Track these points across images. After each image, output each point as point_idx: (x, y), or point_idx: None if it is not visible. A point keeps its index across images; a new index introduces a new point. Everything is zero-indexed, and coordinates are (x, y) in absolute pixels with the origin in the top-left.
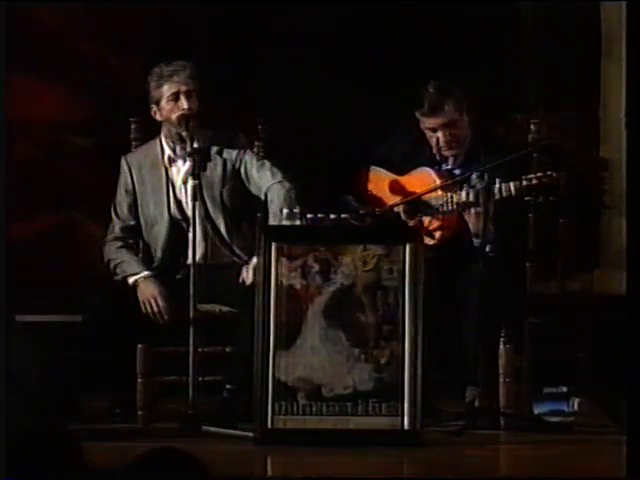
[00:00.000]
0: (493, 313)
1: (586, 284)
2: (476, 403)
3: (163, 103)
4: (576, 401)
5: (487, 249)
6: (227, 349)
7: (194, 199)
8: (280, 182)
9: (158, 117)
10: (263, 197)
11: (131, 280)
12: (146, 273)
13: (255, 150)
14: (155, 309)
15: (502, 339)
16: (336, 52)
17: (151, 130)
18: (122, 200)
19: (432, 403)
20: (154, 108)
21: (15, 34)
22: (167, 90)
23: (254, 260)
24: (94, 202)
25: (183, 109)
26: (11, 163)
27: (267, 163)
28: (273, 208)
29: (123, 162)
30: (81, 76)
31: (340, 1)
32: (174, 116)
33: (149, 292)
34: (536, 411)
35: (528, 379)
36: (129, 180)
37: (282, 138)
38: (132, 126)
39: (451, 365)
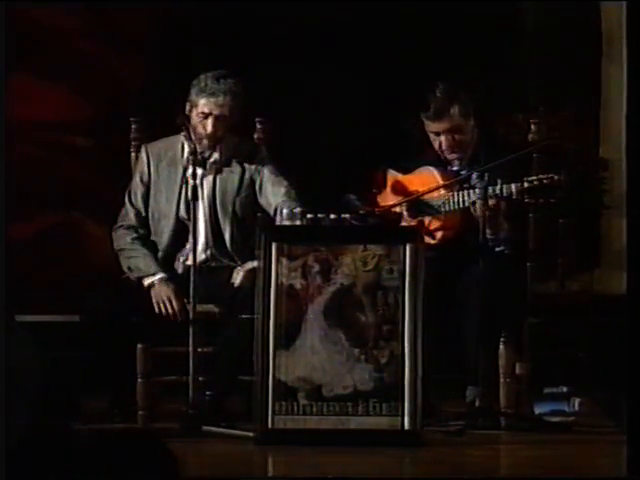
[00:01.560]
0: (494, 313)
1: (586, 284)
2: (476, 403)
3: (194, 113)
4: (576, 401)
5: (501, 247)
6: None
7: (194, 199)
8: (292, 200)
9: (187, 113)
10: (272, 212)
11: (147, 282)
12: (162, 275)
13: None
14: (170, 311)
15: (502, 339)
16: (341, 52)
17: (151, 130)
18: (137, 188)
19: (432, 403)
20: (188, 105)
21: (15, 34)
22: (201, 106)
23: (248, 264)
24: (94, 202)
25: (206, 131)
26: (11, 163)
27: (284, 181)
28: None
29: (143, 150)
30: (81, 76)
31: (346, 2)
32: (198, 131)
33: (165, 293)
34: (537, 411)
35: (528, 379)
36: (146, 170)
37: (284, 138)
38: (132, 126)
39: (451, 365)
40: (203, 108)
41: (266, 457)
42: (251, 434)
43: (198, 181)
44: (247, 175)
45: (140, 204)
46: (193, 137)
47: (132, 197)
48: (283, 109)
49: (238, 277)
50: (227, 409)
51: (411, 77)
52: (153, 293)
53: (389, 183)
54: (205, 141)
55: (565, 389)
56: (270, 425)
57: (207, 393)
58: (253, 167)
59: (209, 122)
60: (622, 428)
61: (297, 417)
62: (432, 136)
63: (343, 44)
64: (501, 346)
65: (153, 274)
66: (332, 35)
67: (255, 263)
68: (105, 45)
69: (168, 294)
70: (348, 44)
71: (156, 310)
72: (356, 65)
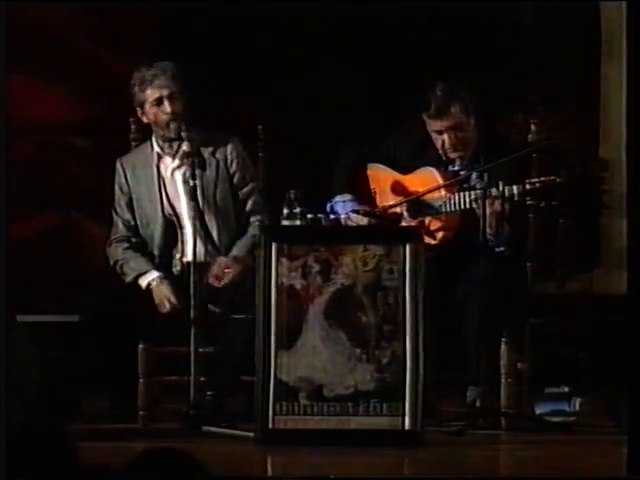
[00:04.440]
0: (494, 313)
1: (586, 284)
2: (477, 403)
3: (147, 107)
4: (577, 401)
5: (501, 247)
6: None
7: (194, 199)
8: (252, 186)
9: (145, 120)
10: (241, 197)
11: (144, 282)
12: (159, 274)
13: (245, 151)
14: (173, 309)
15: (503, 339)
16: (344, 52)
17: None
18: (120, 200)
19: (433, 403)
20: (139, 111)
21: (15, 34)
22: (150, 95)
23: (220, 258)
24: (94, 202)
25: (167, 113)
26: (11, 163)
27: (250, 167)
28: (246, 210)
29: (118, 164)
30: (81, 76)
31: (346, 2)
32: (160, 120)
33: (164, 294)
34: (537, 411)
35: (529, 379)
36: (123, 180)
37: (284, 137)
38: (132, 126)
39: (452, 365)
40: (153, 95)
41: (266, 457)
42: (251, 434)
43: (169, 175)
44: (222, 166)
45: (127, 214)
46: (159, 130)
47: (117, 209)
48: (283, 109)
49: (213, 270)
50: (228, 409)
51: (411, 78)
52: (154, 293)
53: (390, 183)
54: (171, 124)
55: (566, 389)
56: (271, 425)
57: (208, 393)
58: (226, 157)
59: (165, 103)
60: (622, 428)
61: (298, 417)
62: (434, 135)
63: (343, 43)
64: (502, 346)
65: (146, 272)
66: (332, 34)
67: (235, 252)
68: (105, 45)
69: (168, 293)
70: (348, 43)
71: (160, 310)
72: (356, 65)
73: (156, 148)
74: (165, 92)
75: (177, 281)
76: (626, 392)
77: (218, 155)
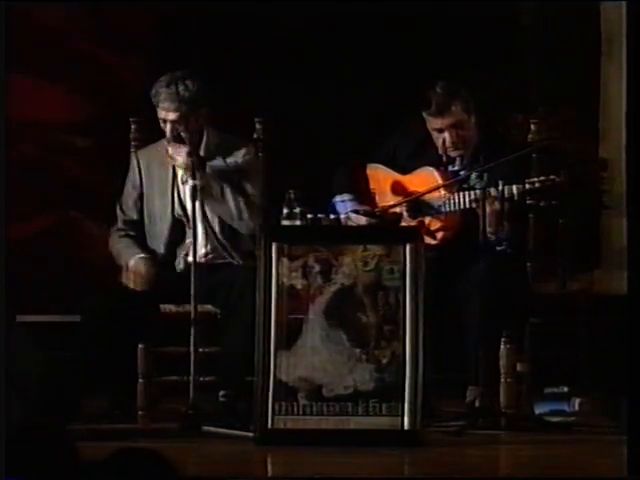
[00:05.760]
0: (494, 313)
1: (586, 284)
2: (477, 403)
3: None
4: (577, 401)
5: (501, 247)
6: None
7: (193, 199)
8: (251, 196)
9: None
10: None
11: (131, 263)
12: (143, 255)
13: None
14: (141, 286)
15: (503, 339)
16: (344, 52)
17: (151, 130)
18: (128, 195)
19: (432, 403)
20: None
21: (15, 34)
22: (158, 113)
23: None
24: (94, 202)
25: (167, 134)
26: (11, 163)
27: (261, 173)
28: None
29: (133, 158)
30: (81, 76)
31: (346, 2)
32: (166, 133)
33: (139, 269)
34: (537, 411)
35: (529, 379)
36: (137, 176)
37: (284, 137)
38: (132, 126)
39: (452, 365)
40: (160, 114)
41: (266, 457)
42: (251, 434)
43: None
44: (234, 170)
45: (130, 210)
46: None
47: (122, 204)
48: (283, 109)
49: None
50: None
51: (411, 78)
52: (130, 270)
53: (389, 183)
54: (172, 142)
55: (565, 389)
56: (270, 425)
57: (221, 393)
58: (236, 161)
59: (167, 127)
60: (622, 428)
61: (297, 417)
62: (435, 134)
63: (343, 43)
64: (501, 346)
65: (133, 255)
66: (332, 34)
67: None
68: (105, 45)
69: (142, 269)
70: (348, 43)
71: (123, 279)
72: (356, 65)
73: (170, 150)
74: (170, 117)
75: (179, 279)
76: (626, 392)
77: (231, 159)
